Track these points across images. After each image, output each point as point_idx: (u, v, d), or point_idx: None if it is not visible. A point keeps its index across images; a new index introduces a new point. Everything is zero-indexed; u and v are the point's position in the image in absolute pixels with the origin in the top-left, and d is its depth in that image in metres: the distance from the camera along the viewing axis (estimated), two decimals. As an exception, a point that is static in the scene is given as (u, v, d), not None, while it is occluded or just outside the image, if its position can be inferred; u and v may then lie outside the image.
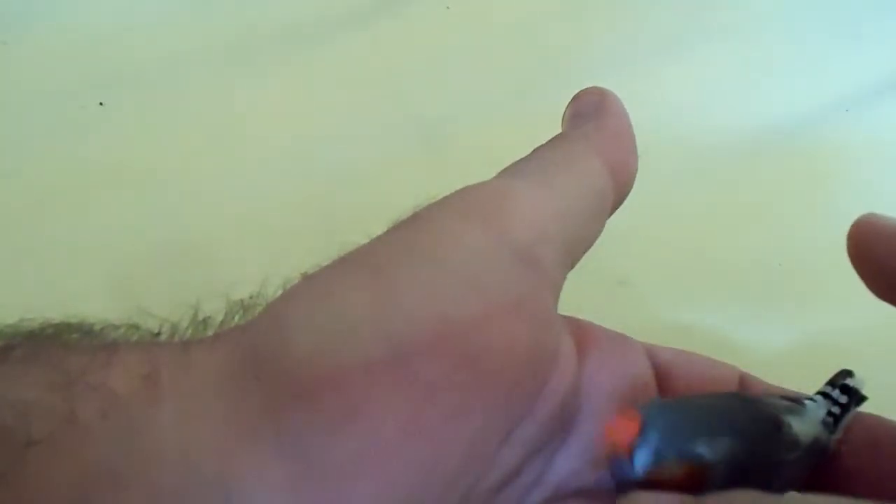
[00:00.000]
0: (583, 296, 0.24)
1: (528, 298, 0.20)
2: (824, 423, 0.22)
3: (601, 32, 0.46)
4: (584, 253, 0.23)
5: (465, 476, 0.19)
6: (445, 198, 0.22)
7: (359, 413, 0.18)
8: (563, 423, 0.21)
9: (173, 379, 0.18)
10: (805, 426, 0.21)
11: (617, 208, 0.24)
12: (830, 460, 0.22)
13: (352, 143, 0.40)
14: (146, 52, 0.42)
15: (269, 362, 0.19)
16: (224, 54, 0.42)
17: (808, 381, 0.24)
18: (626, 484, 0.19)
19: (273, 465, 0.18)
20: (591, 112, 0.24)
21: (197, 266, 0.34)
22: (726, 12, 0.47)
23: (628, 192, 0.24)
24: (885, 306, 0.36)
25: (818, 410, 0.22)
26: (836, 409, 0.22)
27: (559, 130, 0.25)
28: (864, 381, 0.23)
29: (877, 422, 0.23)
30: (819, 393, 0.23)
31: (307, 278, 0.20)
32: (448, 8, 0.46)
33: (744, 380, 0.24)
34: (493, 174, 0.23)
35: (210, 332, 0.21)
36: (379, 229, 0.22)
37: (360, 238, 0.21)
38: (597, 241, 0.24)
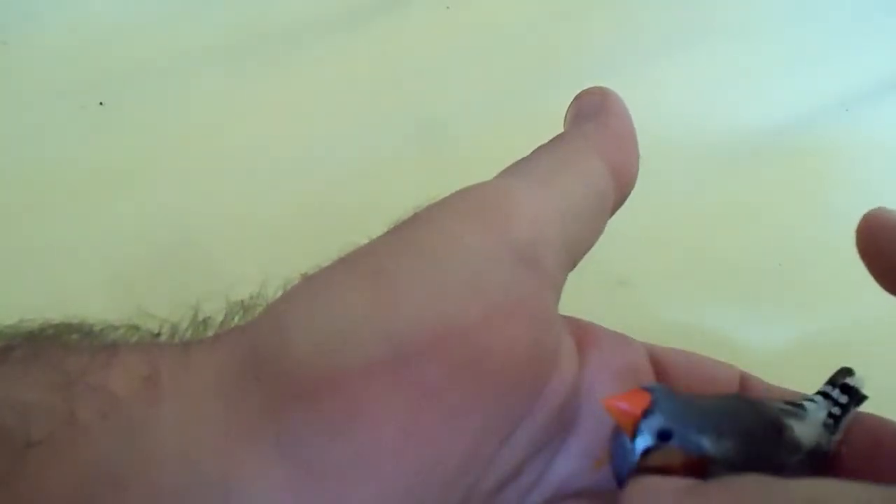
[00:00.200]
0: (583, 296, 0.24)
1: (529, 299, 0.20)
2: (825, 424, 0.22)
3: (601, 32, 0.46)
4: (585, 253, 0.23)
5: (465, 476, 0.19)
6: (445, 198, 0.22)
7: (359, 414, 0.18)
8: (563, 424, 0.21)
9: (173, 380, 0.18)
10: (806, 429, 0.21)
11: (618, 209, 0.24)
12: (831, 461, 0.22)
13: (352, 143, 0.40)
14: (146, 52, 0.42)
15: (269, 363, 0.19)
16: (224, 54, 0.42)
17: (809, 380, 0.24)
18: (625, 468, 0.19)
19: (273, 465, 0.18)
20: (593, 112, 0.24)
21: (197, 266, 0.34)
22: (726, 12, 0.47)
23: (629, 192, 0.24)
24: (885, 306, 0.36)
25: (819, 412, 0.22)
26: (836, 410, 0.22)
27: (560, 130, 0.25)
28: (864, 379, 0.23)
29: (877, 422, 0.23)
30: (819, 393, 0.23)
31: (307, 279, 0.20)
32: (448, 8, 0.46)
33: (744, 380, 0.24)
34: (494, 174, 0.23)
35: (210, 333, 0.21)
36: (379, 229, 0.22)
37: (360, 238, 0.21)
38: (597, 241, 0.24)
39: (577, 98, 0.25)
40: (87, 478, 0.17)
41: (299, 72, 0.42)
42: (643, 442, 0.19)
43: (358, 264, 0.20)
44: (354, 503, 0.18)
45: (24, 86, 0.40)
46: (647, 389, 0.19)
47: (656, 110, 0.38)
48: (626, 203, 0.25)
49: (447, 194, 0.22)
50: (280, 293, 0.21)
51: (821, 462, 0.21)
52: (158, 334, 0.21)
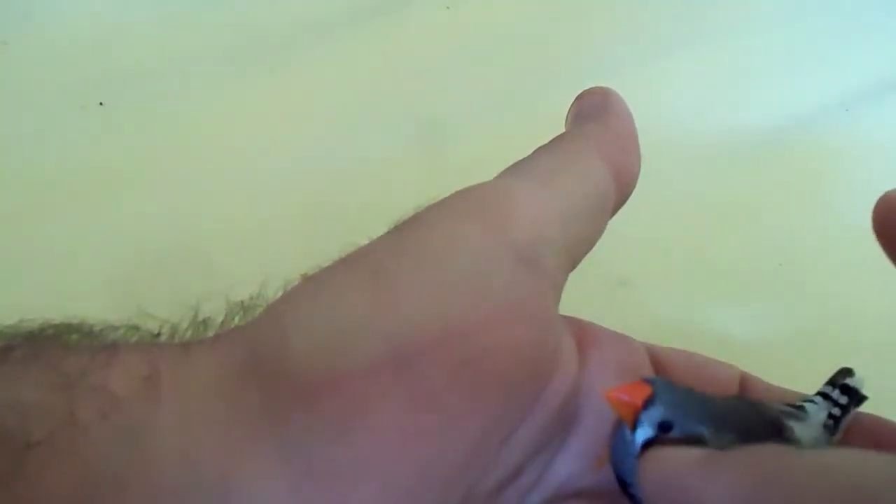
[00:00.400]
0: (583, 296, 0.24)
1: (529, 299, 0.20)
2: (825, 426, 0.22)
3: (601, 32, 0.46)
4: (586, 254, 0.23)
5: (465, 477, 0.19)
6: (446, 198, 0.22)
7: (359, 414, 0.18)
8: (563, 424, 0.21)
9: (173, 380, 0.18)
10: (806, 431, 0.21)
11: (619, 209, 0.24)
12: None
13: (352, 143, 0.40)
14: (146, 52, 0.42)
15: (269, 363, 0.19)
16: (224, 54, 0.42)
17: (809, 380, 0.24)
18: (625, 462, 0.19)
19: (273, 466, 0.18)
20: (594, 112, 0.24)
21: (197, 267, 0.34)
22: (726, 12, 0.47)
23: (630, 192, 0.24)
24: (885, 306, 0.36)
25: (819, 414, 0.22)
26: (836, 411, 0.22)
27: (560, 130, 0.25)
28: (863, 379, 0.23)
29: (877, 423, 0.23)
30: (819, 393, 0.23)
31: (307, 279, 0.20)
32: (448, 8, 0.46)
33: (744, 380, 0.24)
34: (494, 174, 0.23)
35: (210, 333, 0.21)
36: (379, 229, 0.22)
37: (360, 238, 0.21)
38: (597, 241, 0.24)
39: (579, 98, 0.25)
40: (87, 478, 0.17)
41: (299, 72, 0.42)
42: (644, 433, 0.19)
43: (358, 264, 0.20)
44: (354, 503, 0.18)
45: (24, 86, 0.40)
46: (647, 381, 0.19)
47: (656, 110, 0.38)
48: (627, 203, 0.25)
49: (447, 194, 0.22)
50: (280, 293, 0.21)
51: None
52: (158, 334, 0.21)
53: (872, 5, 0.48)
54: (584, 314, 0.24)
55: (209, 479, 0.17)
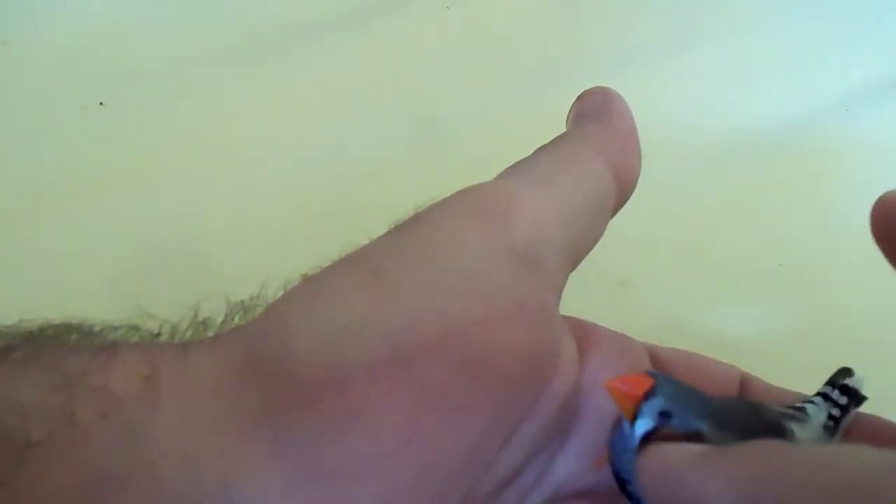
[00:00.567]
0: (583, 296, 0.24)
1: (530, 299, 0.20)
2: (825, 427, 0.22)
3: (601, 32, 0.46)
4: (587, 254, 0.23)
5: (465, 477, 0.19)
6: (446, 199, 0.22)
7: (359, 414, 0.18)
8: (563, 424, 0.21)
9: (173, 380, 0.18)
10: (807, 433, 0.21)
11: (619, 209, 0.24)
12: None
13: (352, 143, 0.40)
14: (146, 52, 0.42)
15: (269, 363, 0.19)
16: (224, 54, 0.42)
17: (809, 380, 0.24)
18: (623, 456, 0.19)
19: (274, 466, 0.18)
20: (595, 112, 0.24)
21: (197, 266, 0.34)
22: (726, 12, 0.47)
23: (631, 192, 0.24)
24: (885, 306, 0.36)
25: (819, 415, 0.22)
26: (836, 412, 0.22)
27: (560, 130, 0.25)
28: (863, 379, 0.23)
29: (877, 423, 0.23)
30: (819, 394, 0.23)
31: (307, 279, 0.20)
32: (448, 8, 0.46)
33: (744, 380, 0.24)
34: (494, 174, 0.23)
35: (210, 333, 0.21)
36: (379, 229, 0.22)
37: (360, 238, 0.21)
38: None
39: (580, 98, 0.25)
40: (87, 478, 0.17)
41: (299, 72, 0.42)
42: (644, 424, 0.19)
43: (358, 264, 0.20)
44: (354, 503, 0.18)
45: (24, 86, 0.40)
46: (648, 374, 0.19)
47: (656, 110, 0.38)
48: (627, 203, 0.25)
49: (447, 194, 0.22)
50: (280, 293, 0.21)
51: None
52: (158, 334, 0.21)
53: (872, 5, 0.48)
54: (584, 314, 0.24)
55: (209, 478, 0.17)
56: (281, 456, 0.18)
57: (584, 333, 0.23)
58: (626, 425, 0.19)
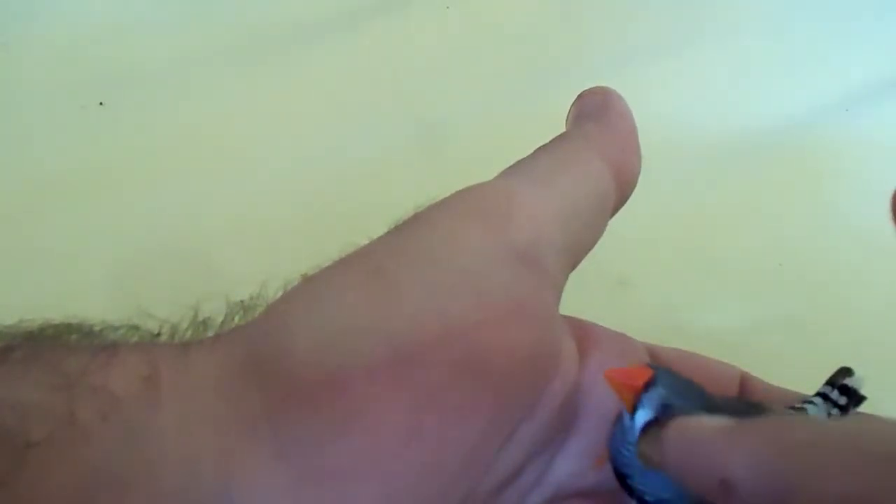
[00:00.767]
0: (583, 296, 0.24)
1: (530, 300, 0.20)
2: None
3: (601, 32, 0.46)
4: (587, 254, 0.23)
5: (465, 477, 0.19)
6: (446, 198, 0.22)
7: (359, 414, 0.18)
8: (563, 424, 0.21)
9: (173, 380, 0.18)
10: None
11: (619, 209, 0.24)
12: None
13: (352, 143, 0.40)
14: (146, 52, 0.42)
15: (269, 363, 0.19)
16: (224, 54, 0.42)
17: (808, 380, 0.24)
18: (622, 449, 0.19)
19: (274, 466, 0.18)
20: (595, 112, 0.24)
21: (197, 267, 0.34)
22: (726, 12, 0.47)
23: (631, 192, 0.24)
24: (885, 306, 0.36)
25: (819, 415, 0.22)
26: (835, 412, 0.22)
27: (560, 130, 0.25)
28: (862, 379, 0.23)
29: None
30: (818, 394, 0.23)
31: (307, 279, 0.20)
32: (448, 8, 0.46)
33: (744, 380, 0.24)
34: (494, 174, 0.23)
35: (210, 333, 0.21)
36: (379, 229, 0.22)
37: (360, 238, 0.21)
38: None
39: (580, 98, 0.25)
40: (87, 478, 0.17)
41: (299, 72, 0.42)
42: (644, 415, 0.19)
43: (358, 265, 0.20)
44: (354, 503, 0.18)
45: (24, 86, 0.40)
46: (648, 366, 0.19)
47: (657, 110, 0.38)
48: (627, 203, 0.25)
49: (447, 194, 0.22)
50: (280, 293, 0.21)
51: None
52: (158, 334, 0.21)
53: (872, 5, 0.48)
54: (584, 314, 0.24)
55: (209, 478, 0.17)
56: (281, 456, 0.18)
57: (584, 333, 0.23)
58: (627, 417, 0.19)
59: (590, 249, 0.23)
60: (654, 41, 0.46)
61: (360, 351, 0.18)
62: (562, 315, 0.22)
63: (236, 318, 0.21)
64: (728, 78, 0.44)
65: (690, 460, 0.17)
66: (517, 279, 0.20)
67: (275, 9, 0.44)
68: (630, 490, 0.19)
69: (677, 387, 0.19)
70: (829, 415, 0.22)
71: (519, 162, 0.23)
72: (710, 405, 0.19)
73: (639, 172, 0.24)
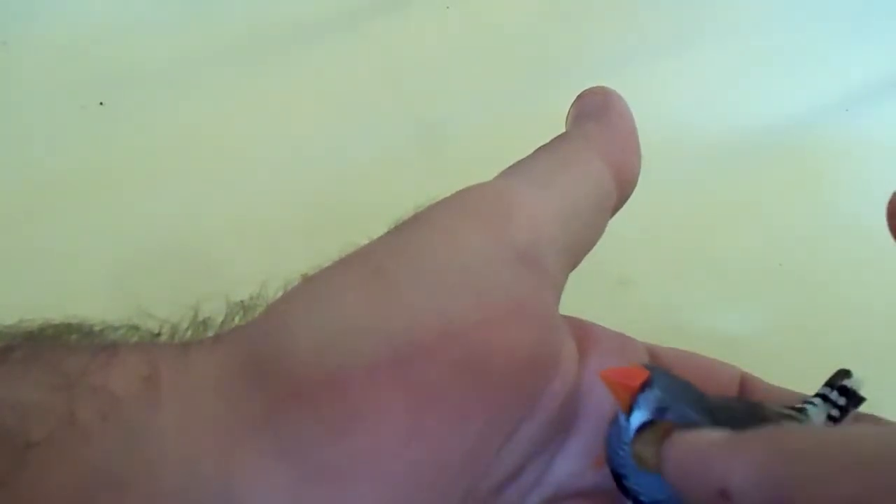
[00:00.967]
0: (583, 296, 0.24)
1: (530, 300, 0.20)
2: None
3: (600, 32, 0.46)
4: (587, 254, 0.23)
5: (465, 477, 0.19)
6: (446, 199, 0.22)
7: (359, 414, 0.18)
8: (563, 424, 0.21)
9: (173, 380, 0.18)
10: None
11: (619, 208, 0.24)
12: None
13: (352, 143, 0.40)
14: (146, 52, 0.42)
15: (269, 363, 0.19)
16: (224, 54, 0.42)
17: (809, 380, 0.24)
18: (618, 450, 0.19)
19: (274, 466, 0.18)
20: (595, 112, 0.24)
21: (197, 267, 0.34)
22: (726, 12, 0.47)
23: (631, 192, 0.24)
24: (885, 306, 0.36)
25: (818, 416, 0.22)
26: (835, 413, 0.22)
27: (560, 130, 0.25)
28: (862, 380, 0.23)
29: (875, 423, 0.23)
30: (818, 395, 0.23)
31: (307, 279, 0.20)
32: (448, 8, 0.46)
33: (744, 380, 0.24)
34: (494, 174, 0.23)
35: (210, 333, 0.21)
36: (379, 229, 0.22)
37: (360, 238, 0.21)
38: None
39: (579, 98, 0.25)
40: (87, 478, 0.17)
41: (299, 72, 0.42)
42: (640, 416, 0.19)
43: (358, 265, 0.20)
44: (354, 503, 0.18)
45: (24, 86, 0.40)
46: (645, 367, 0.19)
47: (656, 110, 0.38)
48: (627, 203, 0.25)
49: (447, 194, 0.22)
50: (280, 293, 0.21)
51: None
52: (158, 334, 0.21)
53: (872, 5, 0.48)
54: (584, 314, 0.24)
55: (209, 479, 0.17)
56: (281, 456, 0.18)
57: (584, 333, 0.23)
58: (623, 418, 0.19)
59: (590, 249, 0.23)
60: (654, 41, 0.46)
61: (361, 351, 0.18)
62: (562, 315, 0.22)
63: (236, 318, 0.21)
64: (728, 78, 0.44)
65: (689, 471, 0.17)
66: (517, 279, 0.20)
67: (275, 9, 0.44)
68: (626, 490, 0.20)
69: (674, 388, 0.19)
70: (829, 415, 0.22)
71: (519, 162, 0.23)
72: (708, 406, 0.19)
73: (639, 172, 0.24)
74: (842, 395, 0.23)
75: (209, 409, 0.18)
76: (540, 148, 0.24)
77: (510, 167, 0.23)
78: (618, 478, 0.20)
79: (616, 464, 0.19)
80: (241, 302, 0.22)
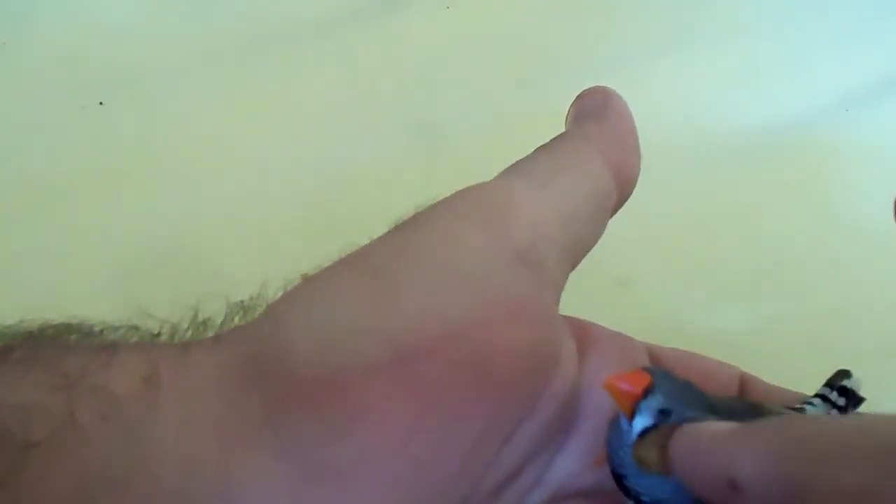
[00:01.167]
0: (583, 296, 0.24)
1: (529, 300, 0.20)
2: None
3: (601, 32, 0.46)
4: (586, 254, 0.23)
5: (465, 477, 0.19)
6: (446, 199, 0.22)
7: (359, 414, 0.18)
8: (563, 424, 0.21)
9: (173, 380, 0.18)
10: None
11: (619, 208, 0.24)
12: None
13: (352, 143, 0.40)
14: (146, 52, 0.42)
15: (269, 364, 0.19)
16: (224, 54, 0.42)
17: (808, 380, 0.24)
18: (619, 453, 0.19)
19: (274, 466, 0.18)
20: (595, 112, 0.24)
21: (197, 267, 0.34)
22: (726, 12, 0.47)
23: (630, 192, 0.24)
24: (885, 306, 0.36)
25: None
26: (834, 413, 0.22)
27: (560, 130, 0.25)
28: (861, 381, 0.23)
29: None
30: (817, 395, 0.23)
31: (307, 280, 0.20)
32: (448, 8, 0.46)
33: (744, 380, 0.24)
34: (494, 174, 0.23)
35: (210, 334, 0.21)
36: (379, 229, 0.22)
37: (360, 238, 0.21)
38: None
39: (579, 97, 0.25)
40: (87, 479, 0.17)
41: (299, 72, 0.42)
42: (642, 421, 0.19)
43: (358, 264, 0.20)
44: (354, 503, 0.18)
45: (24, 86, 0.40)
46: (646, 371, 0.19)
47: (656, 110, 0.38)
48: (627, 203, 0.25)
49: (447, 194, 0.22)
50: (280, 293, 0.21)
51: None
52: (158, 334, 0.21)
53: (872, 6, 0.48)
54: (584, 314, 0.24)
55: (209, 479, 0.17)
56: (281, 456, 0.18)
57: (583, 333, 0.23)
58: (624, 422, 0.19)
59: (590, 249, 0.23)
60: (654, 41, 0.46)
61: (361, 351, 0.18)
62: (562, 315, 0.22)
63: (236, 319, 0.21)
64: (728, 78, 0.44)
65: (698, 463, 0.17)
66: (517, 279, 0.20)
67: (274, 9, 0.44)
68: (626, 490, 0.20)
69: (675, 390, 0.19)
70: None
71: (518, 162, 0.23)
72: (710, 406, 0.19)
73: (638, 172, 0.24)
74: (841, 395, 0.23)
75: (209, 409, 0.18)
76: (540, 148, 0.24)
77: (510, 167, 0.23)
78: (618, 478, 0.20)
79: (616, 464, 0.19)
80: (241, 302, 0.22)
